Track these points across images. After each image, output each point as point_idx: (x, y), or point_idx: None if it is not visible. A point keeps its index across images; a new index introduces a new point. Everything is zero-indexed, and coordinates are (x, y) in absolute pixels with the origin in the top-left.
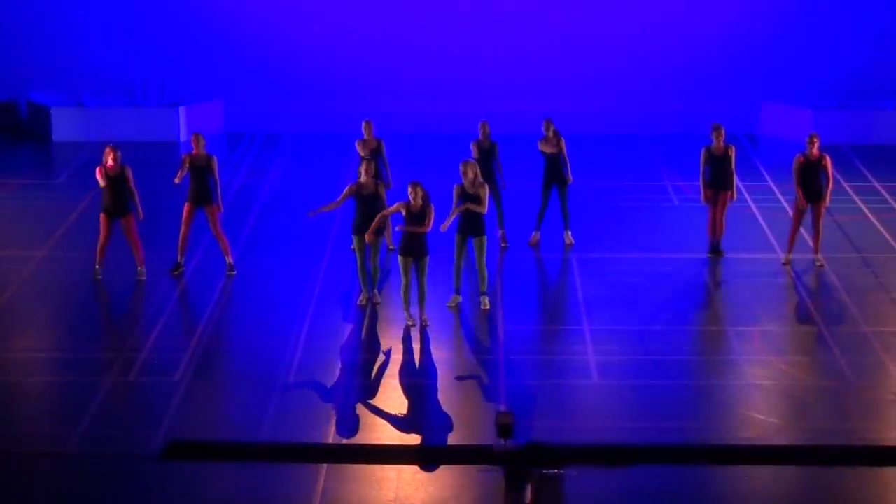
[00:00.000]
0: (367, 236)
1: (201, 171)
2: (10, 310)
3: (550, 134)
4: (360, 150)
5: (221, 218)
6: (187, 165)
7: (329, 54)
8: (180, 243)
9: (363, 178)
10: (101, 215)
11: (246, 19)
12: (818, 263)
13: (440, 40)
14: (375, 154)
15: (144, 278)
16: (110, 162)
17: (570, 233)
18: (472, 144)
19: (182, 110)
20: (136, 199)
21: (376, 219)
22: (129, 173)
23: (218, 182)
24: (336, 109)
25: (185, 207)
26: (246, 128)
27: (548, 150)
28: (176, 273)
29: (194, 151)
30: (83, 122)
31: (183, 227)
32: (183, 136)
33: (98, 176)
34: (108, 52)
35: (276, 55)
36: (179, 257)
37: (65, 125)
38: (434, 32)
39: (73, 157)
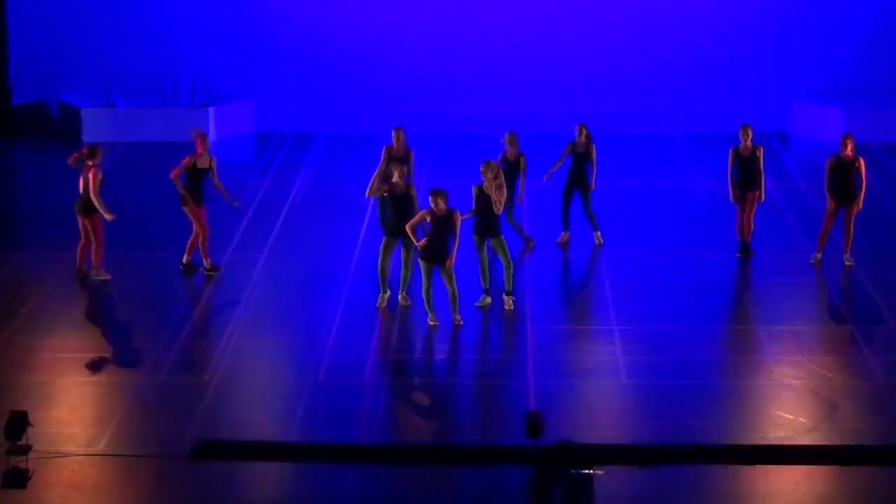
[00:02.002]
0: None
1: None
2: (39, 310)
3: (583, 138)
4: (384, 157)
5: (205, 214)
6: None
7: (359, 54)
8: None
9: (395, 179)
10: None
11: (276, 19)
12: (848, 263)
13: (470, 41)
14: (402, 163)
15: (100, 279)
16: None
17: (599, 233)
18: (500, 159)
19: (212, 111)
20: (98, 200)
21: (407, 230)
22: (91, 174)
23: (217, 182)
24: (366, 109)
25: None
26: (276, 128)
27: (577, 150)
28: (209, 273)
29: (198, 151)
30: (113, 122)
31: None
32: (213, 137)
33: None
34: (138, 52)
35: (306, 55)
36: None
37: (95, 126)
38: (464, 33)
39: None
